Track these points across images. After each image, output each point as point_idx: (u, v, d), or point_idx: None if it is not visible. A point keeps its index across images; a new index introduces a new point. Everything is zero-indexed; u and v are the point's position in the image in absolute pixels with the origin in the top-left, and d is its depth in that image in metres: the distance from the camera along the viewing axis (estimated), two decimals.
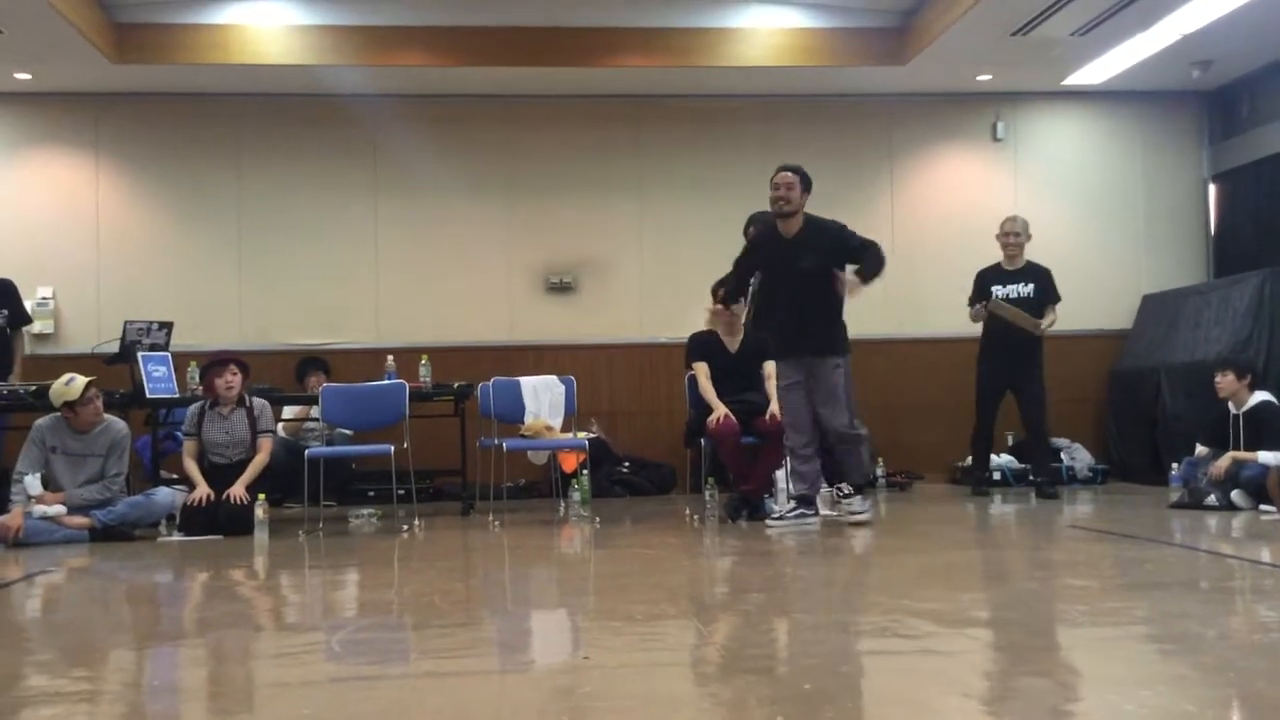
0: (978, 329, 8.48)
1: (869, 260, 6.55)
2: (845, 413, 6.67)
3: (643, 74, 9.41)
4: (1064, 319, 9.49)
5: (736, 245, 9.53)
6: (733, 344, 7.44)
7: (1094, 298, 10.05)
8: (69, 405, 6.76)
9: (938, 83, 9.73)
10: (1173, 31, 8.53)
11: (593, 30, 9.06)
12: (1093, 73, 9.56)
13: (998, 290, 8.35)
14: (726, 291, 7.09)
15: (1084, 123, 10.34)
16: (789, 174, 6.67)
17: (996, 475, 8.86)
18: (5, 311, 8.08)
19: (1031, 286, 8.31)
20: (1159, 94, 10.15)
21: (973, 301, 8.39)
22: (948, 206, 10.05)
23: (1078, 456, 9.51)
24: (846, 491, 6.64)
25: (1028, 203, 10.11)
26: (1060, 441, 9.59)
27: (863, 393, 9.94)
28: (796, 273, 6.62)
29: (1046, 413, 8.31)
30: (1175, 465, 7.87)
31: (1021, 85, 9.96)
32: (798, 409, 6.63)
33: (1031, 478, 8.47)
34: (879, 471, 9.37)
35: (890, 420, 9.93)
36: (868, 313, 9.95)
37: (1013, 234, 8.41)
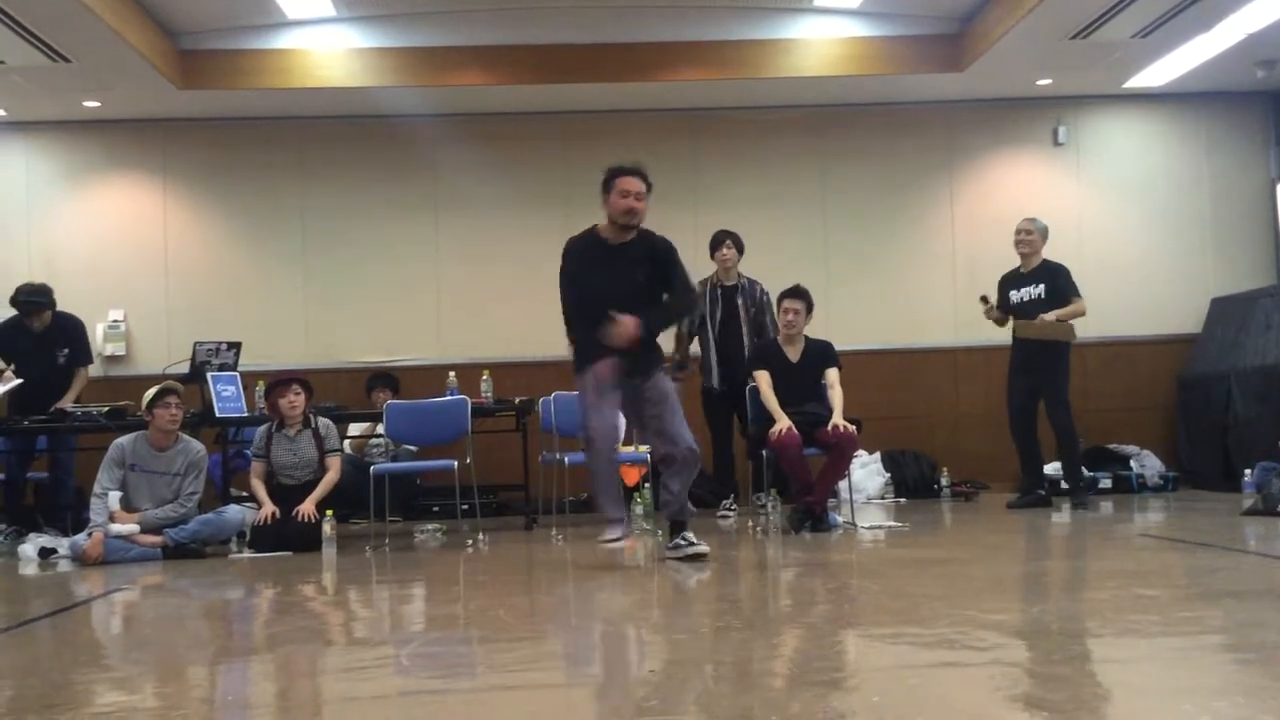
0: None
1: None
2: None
3: (699, 87, 9.44)
4: (1132, 325, 9.36)
5: (794, 256, 9.58)
6: (794, 352, 7.41)
7: (1161, 302, 9.92)
8: (149, 408, 6.97)
9: (997, 88, 9.66)
10: (1236, 31, 8.41)
11: (648, 45, 9.10)
12: (1155, 75, 9.44)
13: (1013, 295, 8.21)
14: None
15: (1147, 125, 10.21)
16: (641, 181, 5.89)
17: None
18: (66, 350, 8.23)
19: (1042, 288, 8.06)
20: (1223, 95, 10.00)
21: (998, 304, 8.24)
22: (1009, 213, 9.89)
23: (1147, 464, 9.36)
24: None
25: (1091, 207, 10.01)
26: (1129, 449, 9.47)
27: (925, 402, 9.92)
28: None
29: (1070, 420, 8.00)
30: (1248, 471, 7.73)
31: (1082, 89, 9.85)
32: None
33: (1064, 486, 8.29)
34: (944, 481, 9.29)
35: (954, 429, 9.87)
36: (932, 320, 9.96)
37: (1022, 231, 8.18)
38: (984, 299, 8.21)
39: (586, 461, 6.01)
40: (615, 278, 5.75)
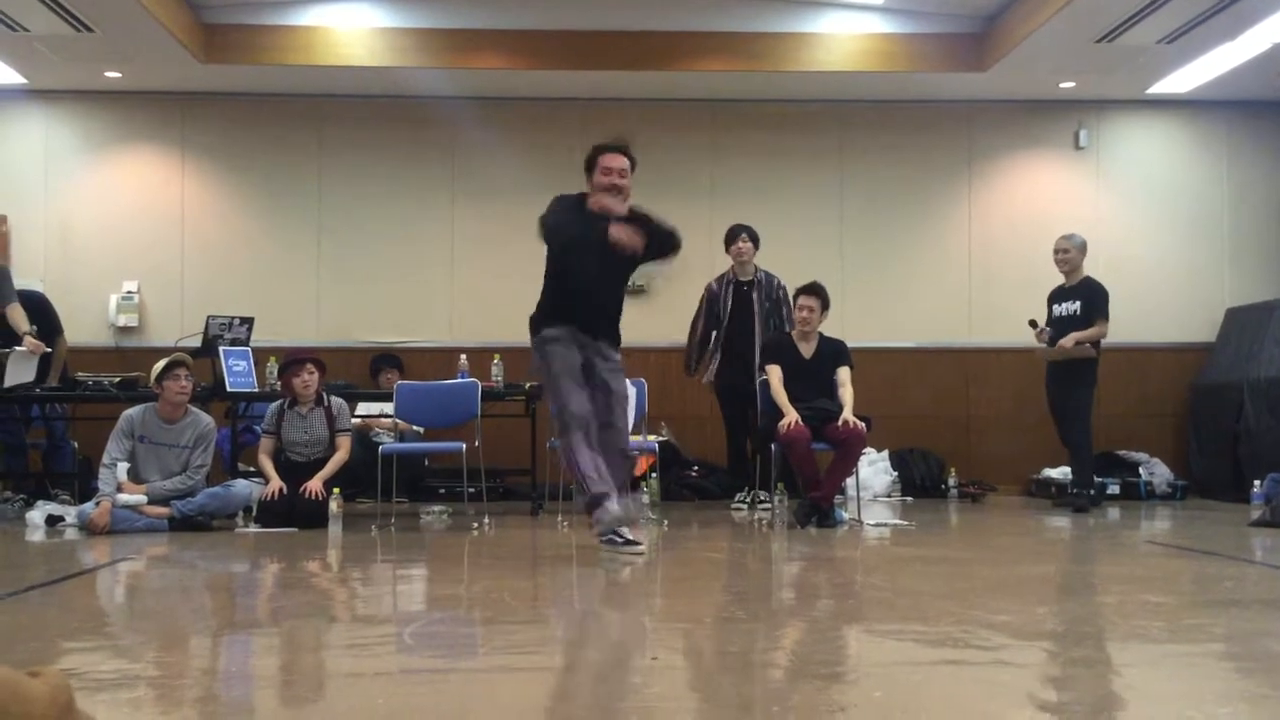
0: None
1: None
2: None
3: (720, 78, 9.42)
4: (1146, 332, 9.31)
5: (809, 251, 9.56)
6: (807, 349, 7.40)
7: (1177, 310, 9.89)
8: (158, 380, 6.97)
9: (1019, 89, 9.62)
10: (1262, 40, 8.37)
11: (671, 34, 9.09)
12: (1179, 81, 9.39)
13: (1055, 309, 8.29)
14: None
15: (1168, 132, 10.16)
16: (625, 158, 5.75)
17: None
18: (34, 327, 8.20)
19: (1078, 305, 8.13)
20: (1246, 104, 9.95)
21: (1036, 324, 8.29)
22: (1028, 215, 9.92)
23: (1156, 472, 9.33)
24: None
25: (1110, 212, 9.97)
26: (1139, 456, 9.44)
27: (935, 401, 9.89)
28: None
29: (1082, 428, 8.08)
30: (1258, 482, 7.70)
31: (1105, 93, 9.81)
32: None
33: (1070, 490, 8.31)
34: (951, 481, 9.27)
35: (963, 430, 9.85)
36: (945, 319, 9.93)
37: (1060, 250, 8.26)
38: (1033, 323, 8.25)
39: (565, 445, 5.65)
40: (604, 260, 5.60)
